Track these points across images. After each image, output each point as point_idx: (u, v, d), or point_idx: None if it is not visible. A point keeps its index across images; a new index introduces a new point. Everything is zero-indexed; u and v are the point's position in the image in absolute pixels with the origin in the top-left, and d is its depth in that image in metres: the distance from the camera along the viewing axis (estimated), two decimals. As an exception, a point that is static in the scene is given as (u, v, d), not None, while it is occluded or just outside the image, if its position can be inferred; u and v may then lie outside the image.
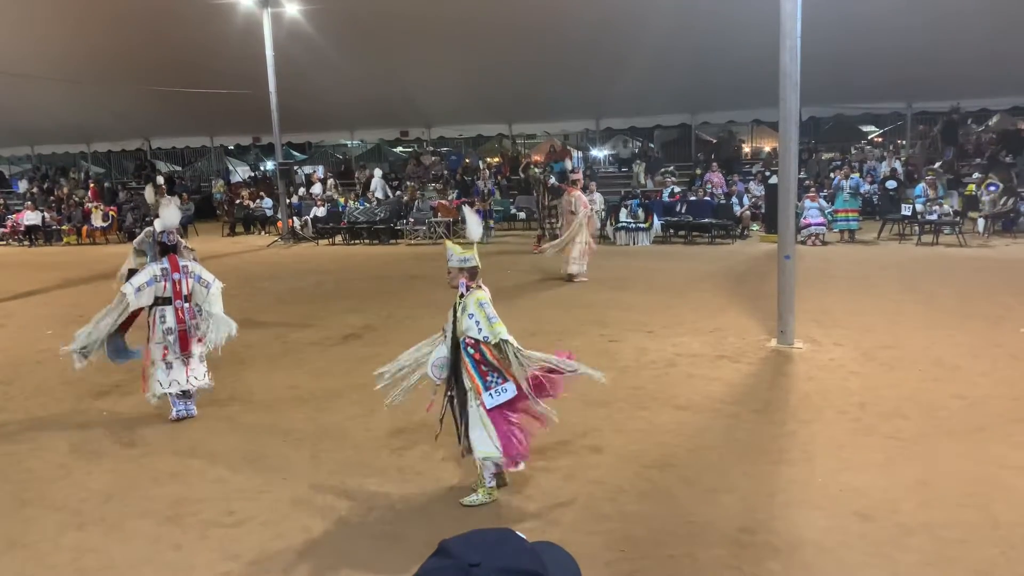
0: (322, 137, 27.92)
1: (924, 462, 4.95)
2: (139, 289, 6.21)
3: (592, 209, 12.11)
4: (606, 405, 6.23)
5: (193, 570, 4.04)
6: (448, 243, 4.73)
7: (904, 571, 3.79)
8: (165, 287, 6.28)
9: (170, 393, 6.31)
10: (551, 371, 4.46)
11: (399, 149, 30.12)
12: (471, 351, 4.48)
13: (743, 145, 26.26)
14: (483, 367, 4.46)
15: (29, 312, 11.35)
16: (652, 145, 25.92)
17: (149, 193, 13.55)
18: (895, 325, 8.42)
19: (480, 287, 4.59)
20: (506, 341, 4.39)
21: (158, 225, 6.81)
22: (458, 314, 4.54)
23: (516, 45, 18.71)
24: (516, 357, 4.39)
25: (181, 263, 6.40)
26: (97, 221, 21.63)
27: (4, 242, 21.34)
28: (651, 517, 4.41)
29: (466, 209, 5.28)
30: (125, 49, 19.56)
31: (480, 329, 4.42)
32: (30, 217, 21.64)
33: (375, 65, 19.97)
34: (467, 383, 4.54)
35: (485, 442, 4.49)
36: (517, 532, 1.10)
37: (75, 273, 14.80)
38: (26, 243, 21.50)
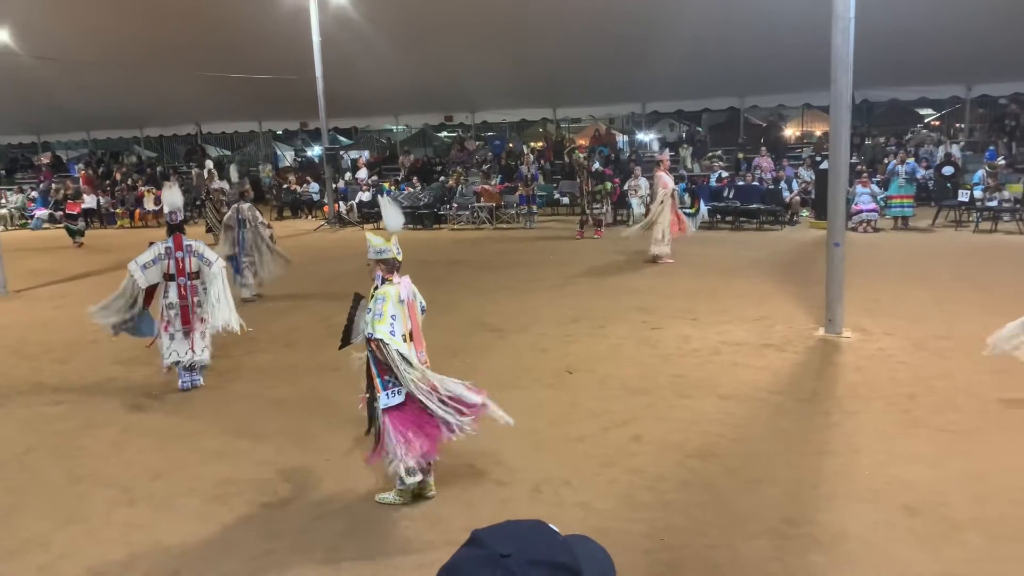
0: (367, 122, 28.09)
1: (976, 456, 4.82)
2: (145, 267, 6.65)
3: (674, 190, 12.23)
4: (647, 393, 6.19)
5: (238, 548, 4.13)
6: (367, 234, 4.57)
7: (953, 567, 3.70)
8: (169, 265, 6.66)
9: (177, 364, 6.66)
10: (454, 400, 4.24)
11: (443, 134, 30.20)
12: (370, 347, 4.34)
13: (787, 129, 25.70)
14: (382, 366, 4.29)
15: (85, 293, 11.68)
16: (700, 129, 25.51)
17: (233, 172, 14.61)
18: (948, 314, 8.18)
19: (394, 282, 4.40)
20: (382, 340, 4.20)
21: (166, 207, 7.16)
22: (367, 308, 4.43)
23: (560, 28, 18.56)
24: (397, 360, 4.20)
25: (185, 242, 6.74)
26: (149, 205, 22.14)
27: (62, 225, 21.95)
28: (691, 506, 4.37)
29: (384, 199, 5.22)
30: (175, 35, 19.93)
31: (367, 324, 4.29)
32: (86, 201, 22.23)
33: (420, 50, 20.02)
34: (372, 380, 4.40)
35: (389, 442, 4.30)
36: (550, 524, 1.09)
37: (128, 255, 14.87)
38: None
